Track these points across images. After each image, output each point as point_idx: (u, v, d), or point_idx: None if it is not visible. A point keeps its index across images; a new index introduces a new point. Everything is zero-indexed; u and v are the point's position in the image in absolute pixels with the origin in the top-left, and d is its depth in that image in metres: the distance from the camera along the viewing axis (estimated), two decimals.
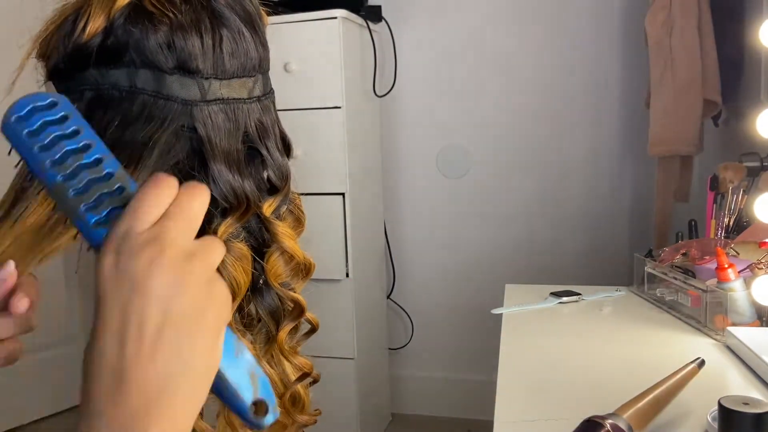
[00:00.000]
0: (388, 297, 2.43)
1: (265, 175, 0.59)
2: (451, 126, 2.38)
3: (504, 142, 2.34)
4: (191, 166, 0.54)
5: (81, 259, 0.55)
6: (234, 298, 0.56)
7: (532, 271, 2.31)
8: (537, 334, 1.16)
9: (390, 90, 2.34)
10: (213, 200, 0.55)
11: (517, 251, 2.36)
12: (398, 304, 2.45)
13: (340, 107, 1.99)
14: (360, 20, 2.13)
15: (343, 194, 1.99)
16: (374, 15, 2.22)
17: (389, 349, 2.46)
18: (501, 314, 1.25)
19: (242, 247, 0.56)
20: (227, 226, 0.55)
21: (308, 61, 1.98)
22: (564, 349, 1.08)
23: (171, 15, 0.52)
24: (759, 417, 0.63)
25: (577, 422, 0.79)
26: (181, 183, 0.55)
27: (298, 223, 0.62)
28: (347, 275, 2.01)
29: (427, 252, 2.44)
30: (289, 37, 1.98)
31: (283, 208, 0.61)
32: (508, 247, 2.37)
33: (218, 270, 0.54)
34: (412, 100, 2.40)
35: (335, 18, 1.96)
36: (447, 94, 2.37)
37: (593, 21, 2.23)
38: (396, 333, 2.47)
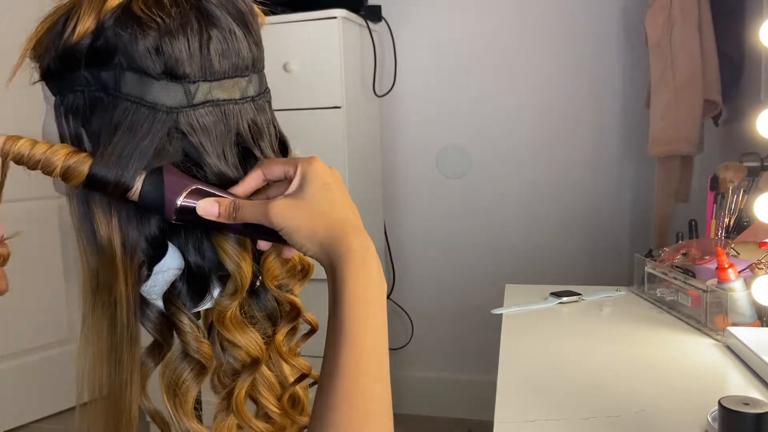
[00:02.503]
0: (388, 297, 2.43)
1: None
2: (451, 126, 2.38)
3: (504, 142, 2.34)
4: (188, 168, 0.54)
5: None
6: (242, 289, 0.56)
7: (532, 271, 2.31)
8: (537, 334, 1.16)
9: (390, 90, 2.34)
10: None
11: (517, 251, 2.35)
12: (398, 304, 2.45)
13: (340, 107, 1.98)
14: (360, 20, 2.13)
15: None
16: (374, 15, 2.22)
17: (389, 349, 2.45)
18: (501, 314, 1.25)
19: (244, 239, 0.56)
20: None
21: (308, 61, 1.98)
22: (564, 349, 1.07)
23: (159, 20, 0.51)
24: (759, 417, 0.63)
25: (577, 422, 0.79)
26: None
27: None
28: None
29: (427, 252, 2.44)
30: (289, 37, 1.98)
31: None
32: (508, 247, 2.36)
33: (224, 258, 0.55)
34: (412, 100, 2.40)
35: (335, 18, 1.96)
36: (447, 94, 2.37)
37: (593, 21, 2.22)
38: (396, 333, 2.47)
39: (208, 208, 0.52)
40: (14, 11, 2.30)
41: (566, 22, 2.25)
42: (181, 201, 0.52)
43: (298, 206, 0.52)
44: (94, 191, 0.52)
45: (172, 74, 0.52)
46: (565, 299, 1.33)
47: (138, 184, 0.52)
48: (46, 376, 2.51)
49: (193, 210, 0.52)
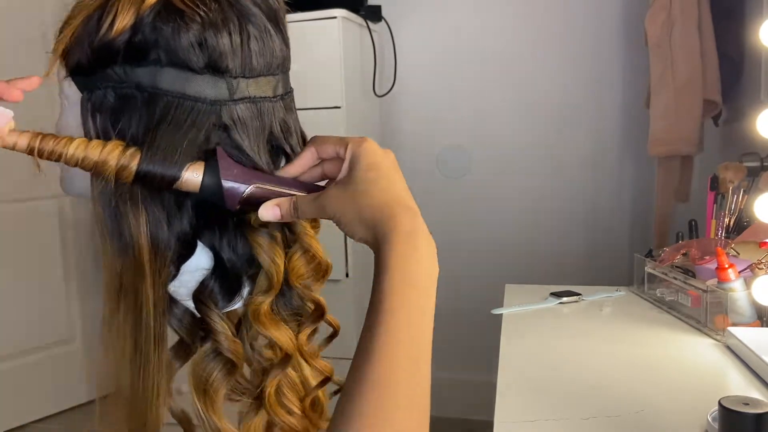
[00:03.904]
0: None
1: None
2: (451, 126, 2.38)
3: (504, 142, 2.34)
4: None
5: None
6: (277, 284, 0.55)
7: (532, 271, 2.31)
8: (537, 334, 1.16)
9: (390, 90, 2.34)
10: None
11: (517, 251, 2.35)
12: None
13: (340, 107, 1.98)
14: (360, 20, 2.13)
15: None
16: (374, 15, 2.22)
17: None
18: (501, 314, 1.25)
19: (276, 233, 0.56)
20: (258, 217, 0.55)
21: (308, 61, 1.98)
22: (564, 349, 1.07)
23: (202, 13, 0.51)
24: (759, 417, 0.63)
25: (577, 422, 0.79)
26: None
27: (315, 222, 0.61)
28: (347, 275, 2.00)
29: None
30: (289, 37, 1.98)
31: None
32: (508, 247, 2.36)
33: (259, 253, 0.55)
34: (412, 100, 2.40)
35: (335, 18, 1.96)
36: (447, 93, 2.37)
37: (593, 21, 2.22)
38: None
39: (271, 211, 0.53)
40: (14, 10, 2.30)
41: (566, 22, 2.25)
42: (247, 192, 0.52)
43: (346, 191, 0.51)
44: (143, 186, 0.52)
45: (215, 68, 0.52)
46: (565, 299, 1.33)
47: (186, 176, 0.51)
48: (46, 376, 2.51)
49: (254, 202, 0.53)
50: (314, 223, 0.61)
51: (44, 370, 2.51)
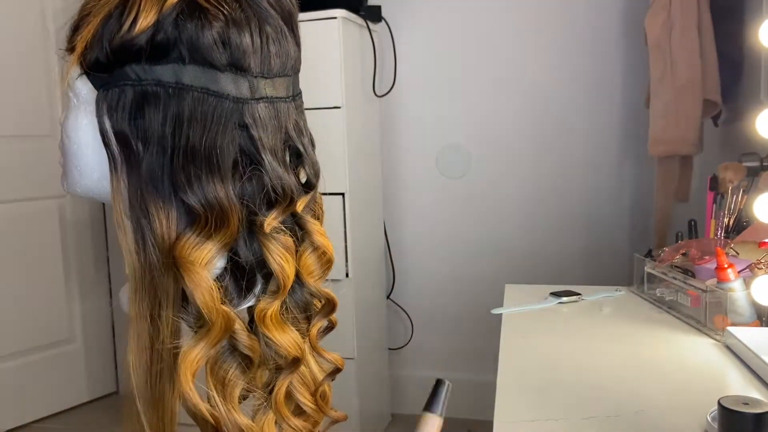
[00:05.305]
0: (388, 297, 2.43)
1: (301, 172, 0.60)
2: (451, 126, 2.38)
3: (504, 142, 2.34)
4: (242, 163, 0.54)
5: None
6: (284, 289, 0.56)
7: (532, 271, 2.31)
8: (537, 334, 1.16)
9: (390, 90, 2.34)
10: (260, 192, 0.55)
11: (517, 251, 2.35)
12: (398, 304, 2.45)
13: (340, 107, 1.98)
14: (360, 20, 2.13)
15: (343, 194, 1.99)
16: (374, 15, 2.22)
17: (389, 349, 2.46)
18: (501, 314, 1.25)
19: (288, 239, 0.57)
20: (272, 218, 0.55)
21: (308, 61, 1.96)
22: (564, 349, 1.07)
23: (225, 11, 0.51)
24: (759, 417, 0.63)
25: (577, 422, 0.79)
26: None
27: (318, 220, 0.62)
28: (347, 275, 2.00)
29: (427, 252, 2.44)
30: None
31: (312, 204, 0.61)
32: (508, 247, 2.36)
33: (268, 258, 0.55)
34: (412, 100, 2.40)
35: (335, 18, 1.96)
36: (447, 94, 2.37)
37: (593, 21, 2.22)
38: (396, 333, 2.47)
39: None
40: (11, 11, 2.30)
41: (566, 23, 2.25)
42: None
43: None
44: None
45: (238, 66, 0.52)
46: (565, 299, 1.33)
47: None
48: (46, 376, 2.51)
49: None
50: (319, 212, 0.62)
51: (44, 370, 2.51)
